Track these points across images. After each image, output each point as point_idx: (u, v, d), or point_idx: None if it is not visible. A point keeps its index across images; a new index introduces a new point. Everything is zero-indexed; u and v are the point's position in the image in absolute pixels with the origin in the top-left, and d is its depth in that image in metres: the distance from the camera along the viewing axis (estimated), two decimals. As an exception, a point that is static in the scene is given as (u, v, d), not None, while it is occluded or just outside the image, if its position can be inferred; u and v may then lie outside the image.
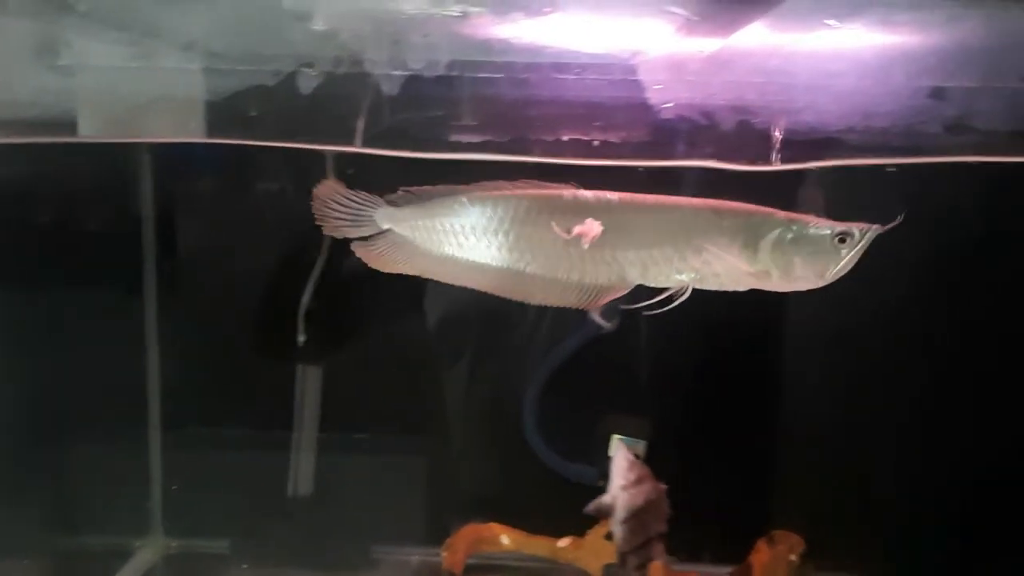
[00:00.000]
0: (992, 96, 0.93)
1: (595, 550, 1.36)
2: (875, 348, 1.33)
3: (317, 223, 0.97)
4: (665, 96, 0.93)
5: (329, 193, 0.96)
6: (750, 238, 0.93)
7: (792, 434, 1.47)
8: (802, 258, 0.93)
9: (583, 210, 0.91)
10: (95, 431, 1.44)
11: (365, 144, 1.06)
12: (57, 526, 1.46)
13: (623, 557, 1.18)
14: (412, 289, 1.51)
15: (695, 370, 1.46)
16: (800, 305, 1.11)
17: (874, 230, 0.93)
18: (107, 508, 1.49)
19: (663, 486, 1.20)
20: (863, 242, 0.92)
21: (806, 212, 0.96)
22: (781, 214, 0.95)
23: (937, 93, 0.94)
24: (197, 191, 1.52)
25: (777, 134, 0.99)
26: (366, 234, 0.98)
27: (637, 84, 0.93)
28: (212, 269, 1.54)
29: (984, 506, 1.41)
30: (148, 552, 1.53)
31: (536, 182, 0.93)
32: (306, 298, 1.48)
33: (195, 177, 1.50)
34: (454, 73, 0.94)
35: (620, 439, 1.38)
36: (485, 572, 1.45)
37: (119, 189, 1.50)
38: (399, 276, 1.46)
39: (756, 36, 0.95)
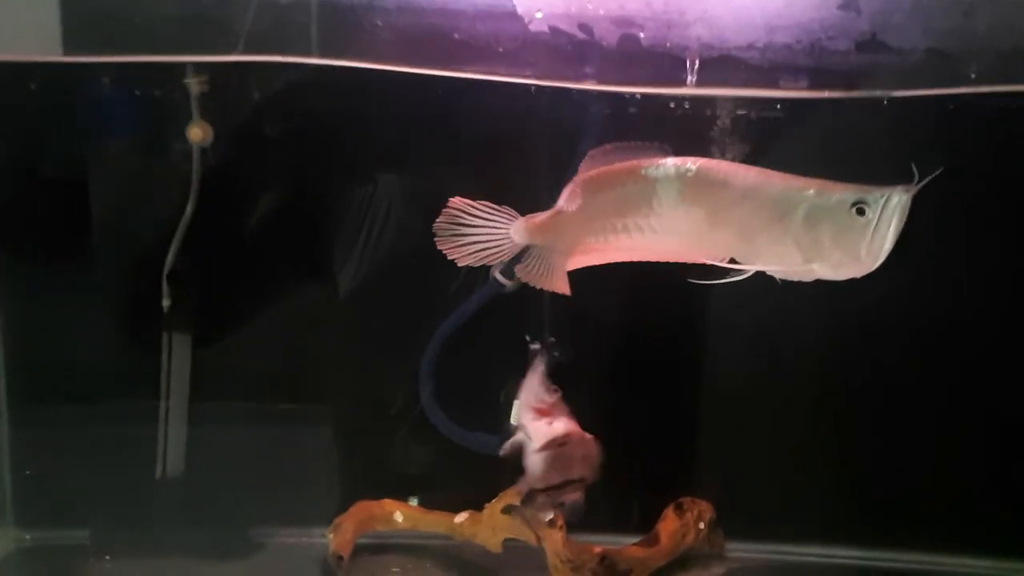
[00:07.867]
0: (909, 9, 0.84)
1: (493, 525, 1.28)
2: (787, 318, 1.27)
3: (446, 254, 0.92)
4: (535, 4, 0.81)
5: (461, 210, 0.90)
6: (783, 217, 0.80)
7: (707, 399, 1.40)
8: (831, 237, 0.78)
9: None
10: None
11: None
12: None
13: (531, 494, 1.07)
14: (294, 242, 1.40)
15: (599, 332, 1.37)
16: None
17: (900, 192, 0.76)
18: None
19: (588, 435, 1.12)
20: (889, 210, 0.76)
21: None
22: (814, 184, 0.80)
23: (848, 5, 0.84)
24: (42, 135, 1.35)
25: (690, 59, 0.88)
26: (507, 255, 0.95)
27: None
28: (62, 228, 1.38)
29: (888, 475, 1.38)
30: (-3, 546, 1.40)
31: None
32: (171, 257, 1.34)
33: (39, 119, 1.33)
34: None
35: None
36: (377, 553, 1.36)
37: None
38: (273, 224, 1.39)
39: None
